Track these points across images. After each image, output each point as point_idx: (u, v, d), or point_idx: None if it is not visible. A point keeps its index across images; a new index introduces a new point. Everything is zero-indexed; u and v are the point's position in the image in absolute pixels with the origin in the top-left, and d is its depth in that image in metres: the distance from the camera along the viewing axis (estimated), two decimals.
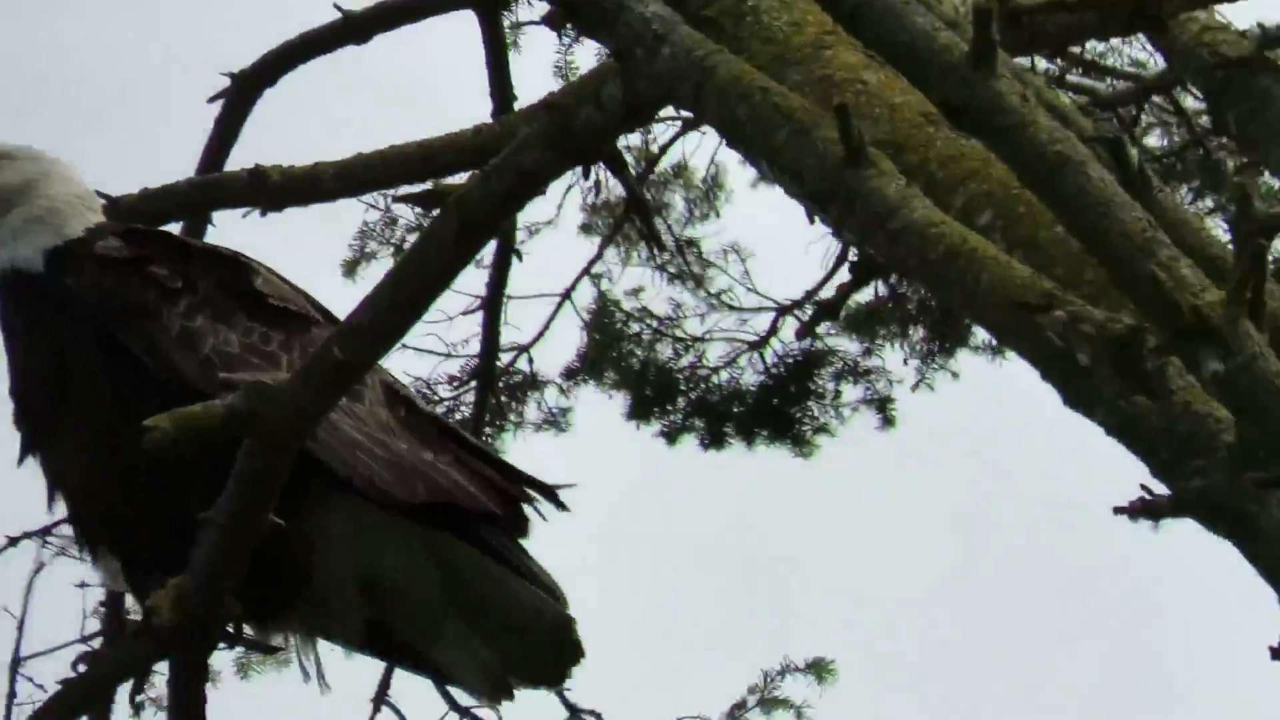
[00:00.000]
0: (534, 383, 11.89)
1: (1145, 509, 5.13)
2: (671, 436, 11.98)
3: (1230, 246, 5.38)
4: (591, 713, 9.91)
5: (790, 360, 11.98)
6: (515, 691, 5.57)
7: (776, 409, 12.04)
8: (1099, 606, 15.80)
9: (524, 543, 5.42)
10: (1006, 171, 5.60)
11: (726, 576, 15.00)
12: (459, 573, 5.20)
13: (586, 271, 11.98)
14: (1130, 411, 5.16)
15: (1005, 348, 6.43)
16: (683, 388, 12.30)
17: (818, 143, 5.27)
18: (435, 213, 4.86)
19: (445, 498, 5.15)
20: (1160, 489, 5.30)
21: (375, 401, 5.23)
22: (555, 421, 12.14)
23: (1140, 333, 4.98)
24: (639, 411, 11.95)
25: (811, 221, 6.01)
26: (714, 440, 12.10)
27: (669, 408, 12.21)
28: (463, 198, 4.75)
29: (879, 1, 5.29)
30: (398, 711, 9.86)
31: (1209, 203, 11.76)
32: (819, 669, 10.91)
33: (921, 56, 5.15)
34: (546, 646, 5.37)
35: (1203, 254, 5.59)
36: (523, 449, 11.92)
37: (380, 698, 9.19)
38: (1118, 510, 5.25)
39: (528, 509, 5.34)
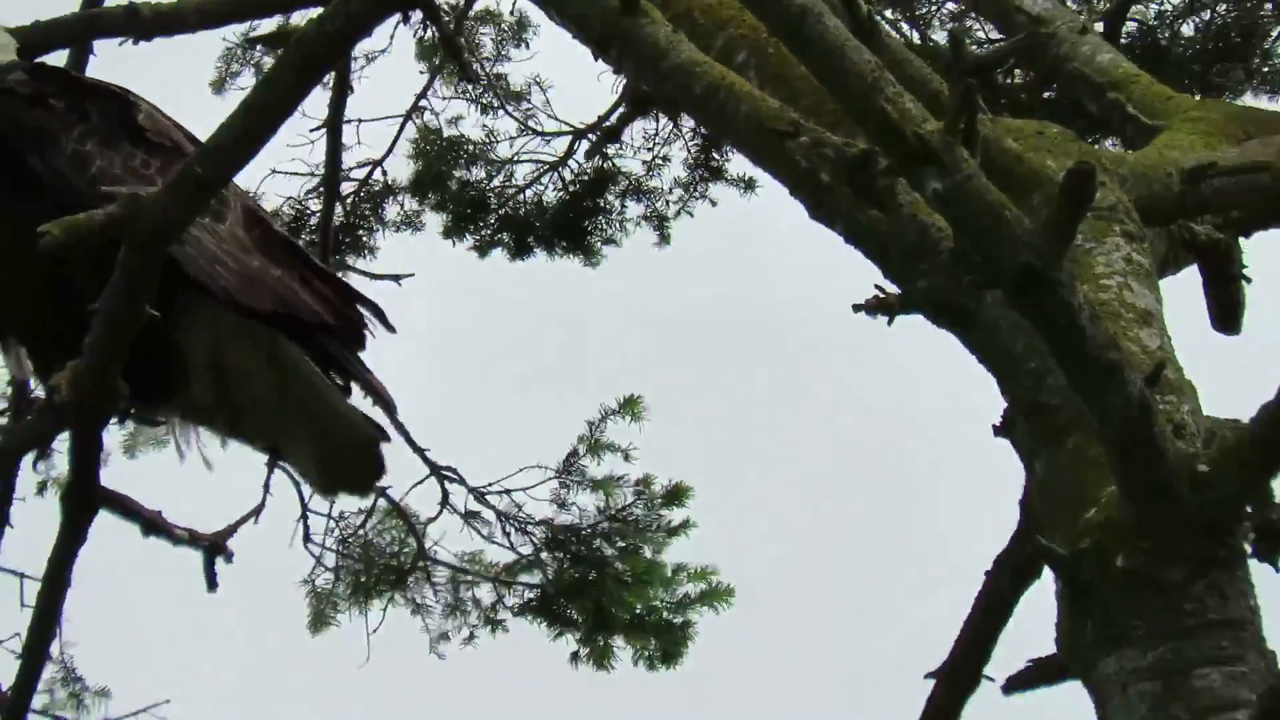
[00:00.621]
0: (389, 190, 12.72)
1: (880, 305, 5.94)
2: (482, 250, 12.66)
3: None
4: (448, 468, 11.03)
5: (584, 179, 12.70)
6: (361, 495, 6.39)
7: (572, 222, 12.70)
8: (838, 398, 17.74)
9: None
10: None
11: (542, 361, 16.63)
12: (291, 377, 5.77)
13: (419, 100, 12.71)
14: (865, 223, 5.99)
15: (761, 168, 6.64)
16: (493, 205, 12.97)
17: None
18: (280, 50, 5.62)
19: (289, 309, 5.70)
20: (893, 290, 5.94)
21: (235, 223, 5.75)
22: (411, 223, 12.97)
23: (872, 155, 5.76)
24: (455, 229, 12.67)
25: (596, 60, 6.86)
26: (519, 251, 12.76)
27: (481, 224, 12.70)
28: (301, 38, 5.52)
29: None
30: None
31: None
32: (631, 408, 11.82)
33: None
34: (354, 459, 5.95)
35: (925, 89, 6.32)
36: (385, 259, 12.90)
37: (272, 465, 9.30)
38: (856, 308, 5.99)
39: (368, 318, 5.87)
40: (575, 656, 11.68)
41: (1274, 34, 11.54)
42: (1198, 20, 11.77)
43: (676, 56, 6.10)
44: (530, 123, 13.13)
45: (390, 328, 6.03)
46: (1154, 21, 11.89)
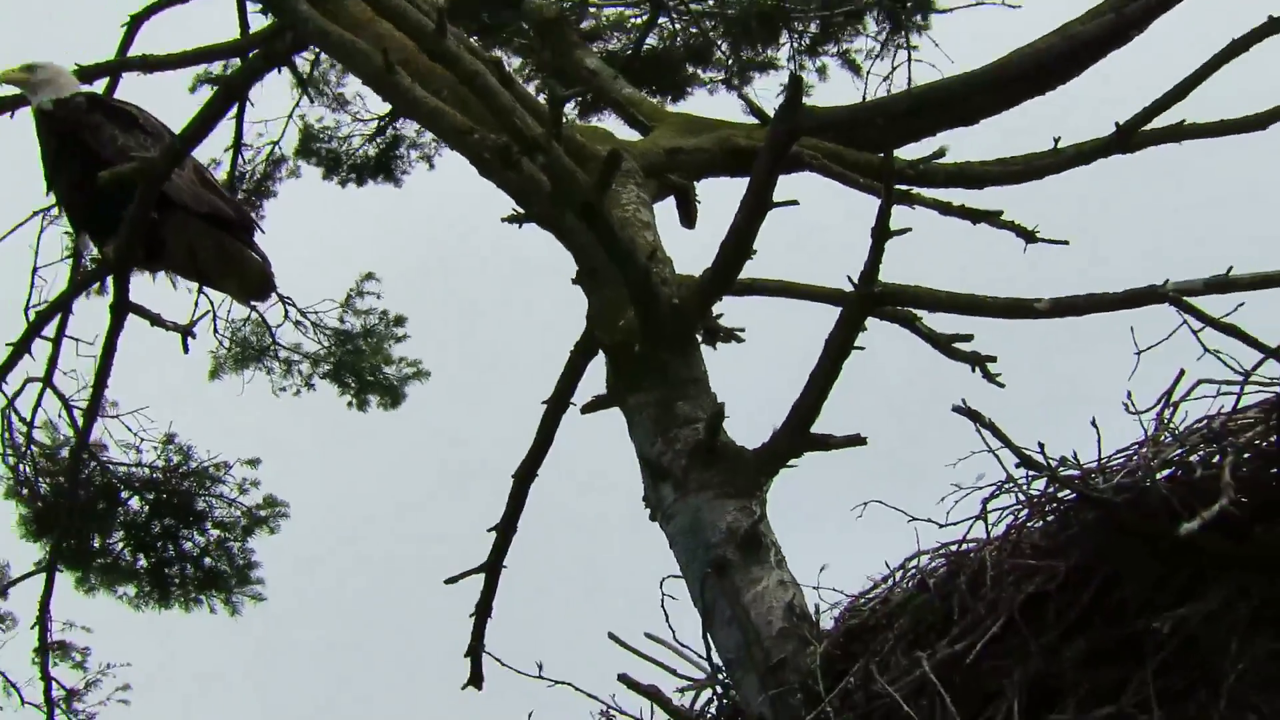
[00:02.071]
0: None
1: (514, 218, 8.44)
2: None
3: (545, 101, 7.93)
4: (287, 297, 12.02)
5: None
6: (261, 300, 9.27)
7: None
8: None
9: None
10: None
11: None
12: (220, 244, 8.75)
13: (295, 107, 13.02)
14: (509, 180, 8.38)
15: (457, 151, 8.53)
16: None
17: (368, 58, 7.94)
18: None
19: (217, 212, 8.71)
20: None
21: (191, 171, 8.66)
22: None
23: (509, 145, 7.95)
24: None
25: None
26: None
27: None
28: (229, 80, 8.63)
29: None
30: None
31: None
32: None
33: (415, 29, 8.02)
34: (261, 283, 8.98)
35: (539, 111, 8.10)
36: None
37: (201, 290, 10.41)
38: (504, 219, 8.21)
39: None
40: (350, 405, 11.92)
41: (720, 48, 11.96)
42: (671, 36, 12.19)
43: (412, 91, 8.19)
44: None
45: (262, 230, 8.96)
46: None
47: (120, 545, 10.48)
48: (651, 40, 11.26)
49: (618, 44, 11.00)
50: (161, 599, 10.61)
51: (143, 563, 10.55)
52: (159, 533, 10.40)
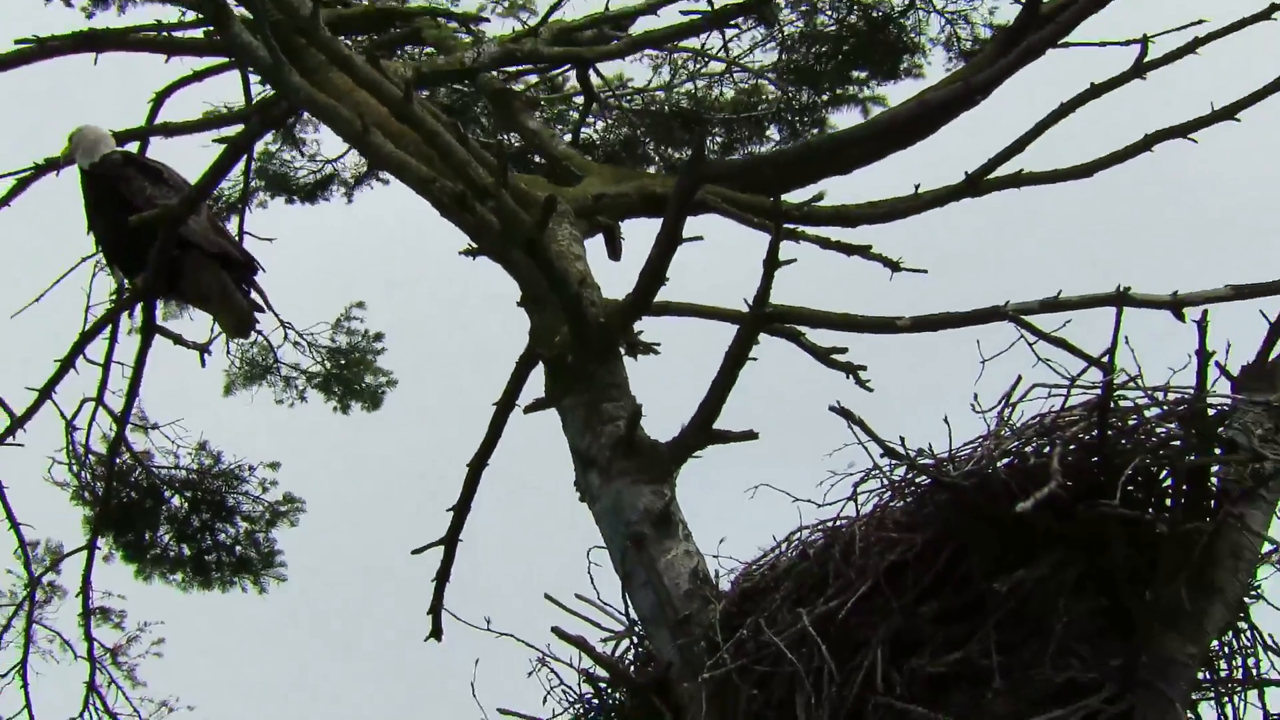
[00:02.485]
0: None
1: (470, 251, 9.17)
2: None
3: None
4: (287, 322, 11.62)
5: None
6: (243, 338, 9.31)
7: None
8: None
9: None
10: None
11: None
12: (221, 282, 8.65)
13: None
14: (466, 221, 8.38)
15: (422, 196, 8.48)
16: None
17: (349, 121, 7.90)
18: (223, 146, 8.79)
19: (224, 253, 8.65)
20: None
21: (204, 217, 8.60)
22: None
23: (464, 192, 8.01)
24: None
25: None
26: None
27: None
28: (234, 140, 8.77)
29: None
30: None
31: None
32: None
33: (387, 97, 8.04)
34: (242, 324, 8.84)
35: (490, 164, 8.18)
36: None
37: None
38: (461, 253, 8.58)
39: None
40: (334, 409, 11.67)
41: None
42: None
43: (385, 148, 8.18)
44: None
45: (262, 269, 8.86)
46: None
47: (167, 537, 10.40)
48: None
49: (561, 130, 10.82)
50: (204, 583, 10.56)
51: (186, 552, 10.49)
52: (198, 526, 10.35)
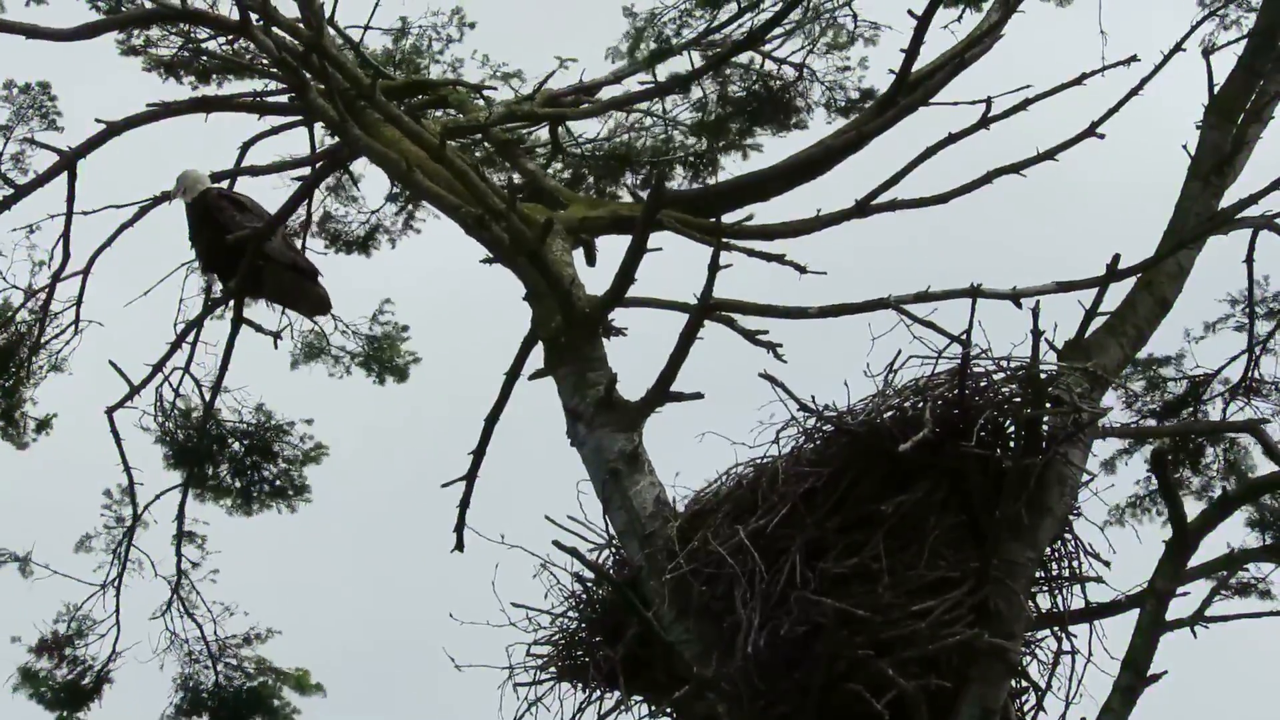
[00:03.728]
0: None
1: (489, 260, 8.72)
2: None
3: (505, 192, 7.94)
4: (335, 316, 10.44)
5: None
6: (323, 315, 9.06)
7: None
8: None
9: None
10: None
11: None
12: (297, 283, 8.55)
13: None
14: (486, 234, 7.89)
15: (452, 220, 8.15)
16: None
17: (396, 163, 7.66)
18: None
19: (297, 265, 8.53)
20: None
21: (281, 236, 8.48)
22: None
23: (484, 215, 7.72)
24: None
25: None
26: None
27: None
28: (305, 179, 8.65)
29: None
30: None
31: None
32: None
33: (426, 144, 7.94)
34: (322, 306, 8.75)
35: (501, 194, 7.92)
36: None
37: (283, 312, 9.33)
38: (483, 260, 8.67)
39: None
40: (374, 382, 10.78)
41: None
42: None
43: (424, 183, 7.90)
44: None
45: (322, 275, 8.72)
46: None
47: (225, 474, 10.09)
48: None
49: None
50: (246, 508, 10.18)
51: (238, 484, 10.15)
52: (250, 465, 10.04)
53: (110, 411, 9.17)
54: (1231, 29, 9.26)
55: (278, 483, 9.95)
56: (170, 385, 9.31)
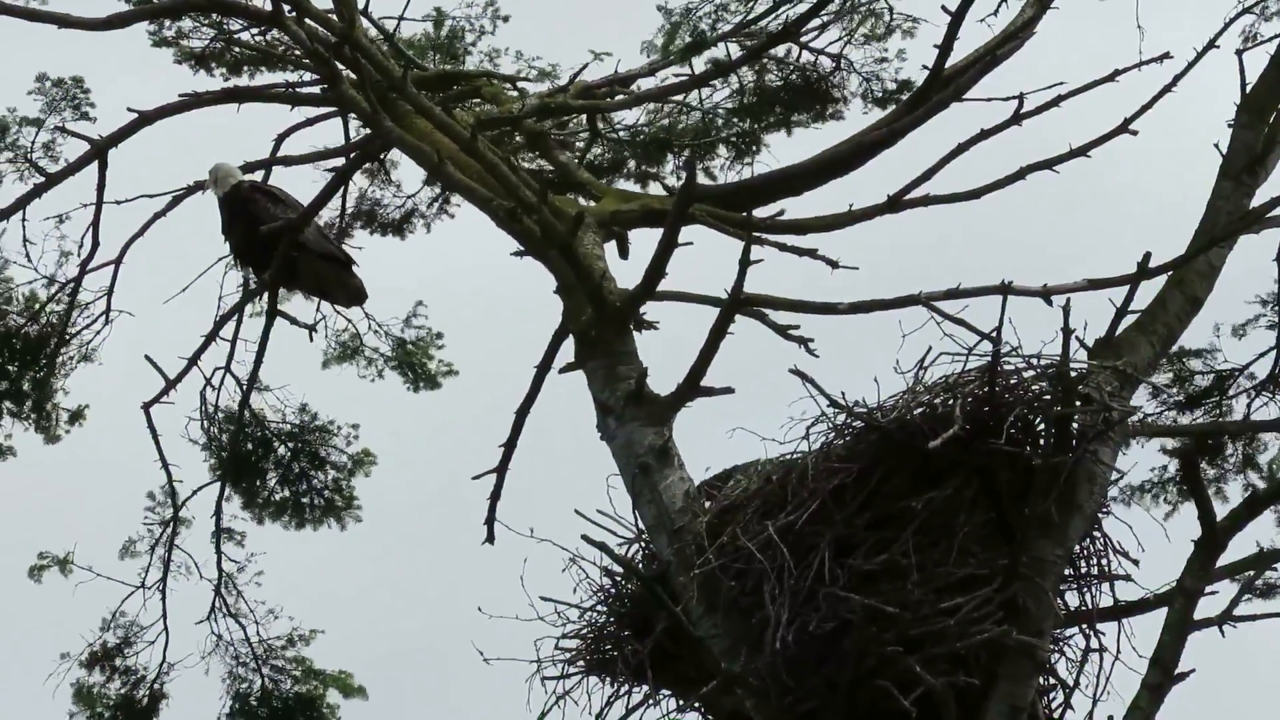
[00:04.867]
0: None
1: (520, 252, 8.52)
2: None
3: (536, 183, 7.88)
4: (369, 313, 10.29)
5: None
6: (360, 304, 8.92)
7: None
8: None
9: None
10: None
11: None
12: (332, 271, 8.51)
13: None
14: (518, 228, 7.94)
15: (484, 213, 8.14)
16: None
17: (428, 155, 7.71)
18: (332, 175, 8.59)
19: (331, 252, 8.49)
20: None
21: (315, 227, 8.45)
22: None
23: (515, 208, 7.78)
24: None
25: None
26: None
27: None
28: (336, 174, 8.50)
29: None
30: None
31: None
32: None
33: (458, 137, 7.92)
34: (358, 296, 8.72)
35: (532, 186, 7.98)
36: None
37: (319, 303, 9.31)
38: (514, 253, 8.57)
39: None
40: (408, 389, 10.56)
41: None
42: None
43: (455, 176, 8.03)
44: None
45: (357, 264, 8.71)
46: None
47: (273, 481, 9.94)
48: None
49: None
50: (300, 525, 10.05)
51: (287, 494, 10.02)
52: (298, 472, 9.90)
53: (147, 407, 9.15)
54: (1273, 20, 9.26)
55: (326, 493, 9.83)
56: (212, 387, 9.28)
